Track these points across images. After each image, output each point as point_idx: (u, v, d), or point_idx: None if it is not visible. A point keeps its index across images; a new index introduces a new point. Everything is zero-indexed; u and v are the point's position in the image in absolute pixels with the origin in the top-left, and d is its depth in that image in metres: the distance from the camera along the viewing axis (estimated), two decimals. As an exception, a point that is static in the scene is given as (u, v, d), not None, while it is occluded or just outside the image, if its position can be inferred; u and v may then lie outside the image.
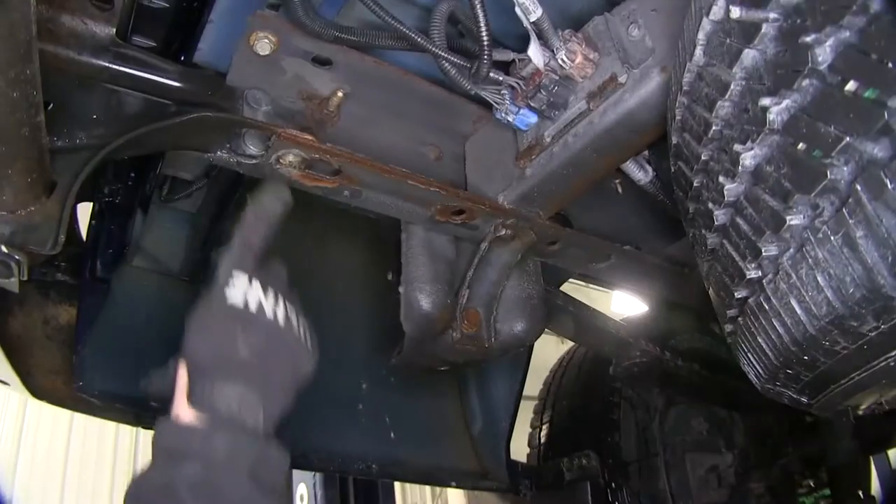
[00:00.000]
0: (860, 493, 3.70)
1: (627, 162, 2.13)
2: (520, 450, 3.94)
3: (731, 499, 4.12)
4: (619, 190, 2.52)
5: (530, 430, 4.28)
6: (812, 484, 4.33)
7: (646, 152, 2.20)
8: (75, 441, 7.36)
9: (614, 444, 3.77)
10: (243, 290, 1.58)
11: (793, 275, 1.11)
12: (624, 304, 8.59)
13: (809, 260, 1.06)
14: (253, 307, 1.56)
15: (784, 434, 4.25)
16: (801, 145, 1.03)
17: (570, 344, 5.03)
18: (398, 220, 2.27)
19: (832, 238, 1.00)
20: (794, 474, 4.21)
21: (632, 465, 3.77)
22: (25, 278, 1.40)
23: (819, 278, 1.05)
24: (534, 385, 3.80)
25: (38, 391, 2.50)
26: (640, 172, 2.17)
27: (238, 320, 1.54)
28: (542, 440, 4.15)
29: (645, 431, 3.90)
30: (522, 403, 3.43)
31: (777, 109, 1.07)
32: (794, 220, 1.06)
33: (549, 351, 6.01)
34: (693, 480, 4.04)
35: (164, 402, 1.56)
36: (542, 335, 2.56)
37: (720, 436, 4.30)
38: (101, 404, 2.47)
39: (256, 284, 1.59)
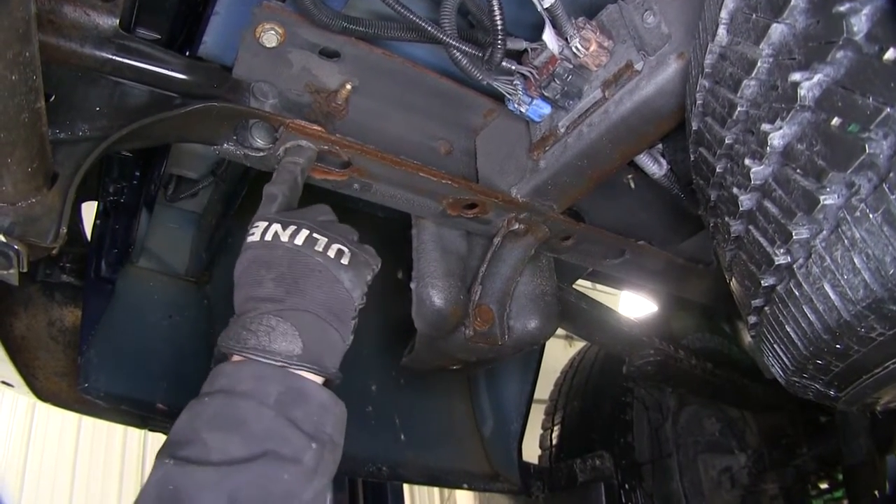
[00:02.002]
0: (876, 492, 3.65)
1: (641, 155, 2.09)
2: (531, 452, 3.90)
3: (744, 500, 4.08)
4: (632, 185, 2.48)
5: (541, 431, 4.24)
6: (826, 485, 4.29)
7: (660, 145, 2.16)
8: (83, 445, 7.36)
9: (627, 444, 3.73)
10: (260, 232, 1.52)
11: (827, 258, 1.06)
12: (631, 306, 8.56)
13: (845, 241, 1.01)
14: (268, 239, 1.51)
15: (798, 434, 4.21)
16: (835, 120, 0.98)
17: (578, 346, 5.00)
18: (408, 217, 2.23)
19: (871, 216, 0.95)
20: (809, 475, 4.16)
21: (645, 465, 3.73)
22: (25, 270, 1.35)
23: (856, 260, 1.00)
24: (542, 388, 3.76)
25: (42, 393, 2.47)
26: (654, 166, 2.13)
27: (257, 260, 1.49)
28: (554, 441, 4.12)
29: (658, 432, 3.87)
30: (532, 406, 3.39)
31: (809, 84, 1.02)
32: (828, 199, 1.02)
33: (558, 353, 5.98)
34: (706, 482, 4.00)
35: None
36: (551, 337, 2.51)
37: (733, 436, 4.27)
38: (107, 406, 2.43)
39: (276, 225, 1.53)
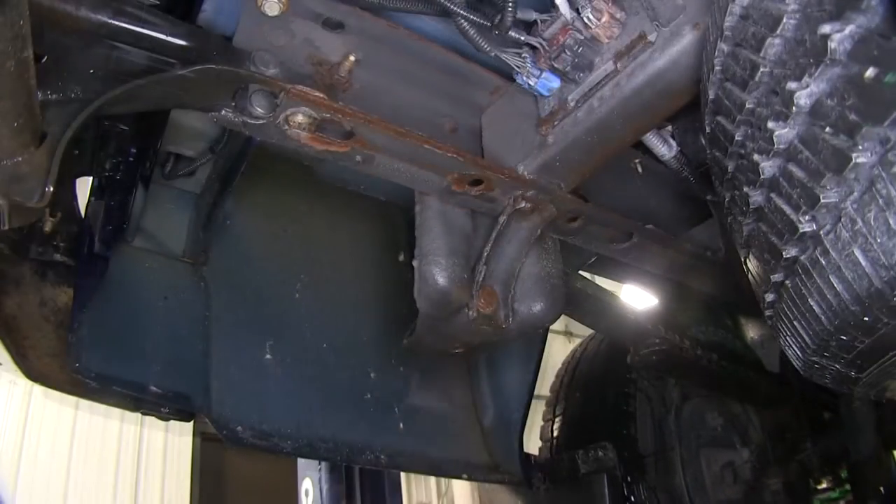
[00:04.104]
0: (881, 488, 3.61)
1: (651, 135, 2.04)
2: (532, 444, 3.85)
3: (746, 495, 4.03)
4: (640, 169, 2.43)
5: (542, 422, 4.19)
6: (826, 485, 4.25)
7: (669, 126, 2.11)
8: (79, 437, 7.32)
9: (630, 436, 3.67)
10: None
11: (858, 220, 1.00)
12: (633, 300, 8.50)
13: (879, 200, 0.95)
14: None
15: (802, 430, 4.16)
16: (869, 71, 0.92)
17: (577, 341, 4.96)
18: (411, 202, 2.18)
19: (910, 171, 0.90)
20: (812, 471, 4.12)
21: (648, 458, 3.68)
22: (6, 227, 1.29)
23: (891, 220, 0.94)
24: (542, 384, 3.71)
25: (32, 373, 2.41)
26: (663, 147, 2.08)
27: None
28: (555, 433, 4.06)
29: (661, 424, 3.81)
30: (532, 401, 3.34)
31: (840, 36, 0.96)
32: (861, 157, 0.96)
33: (558, 348, 5.94)
34: (708, 476, 3.95)
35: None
36: (550, 333, 2.46)
37: (735, 431, 4.22)
38: (98, 387, 2.37)
39: None
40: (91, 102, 1.46)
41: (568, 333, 9.06)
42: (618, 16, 1.73)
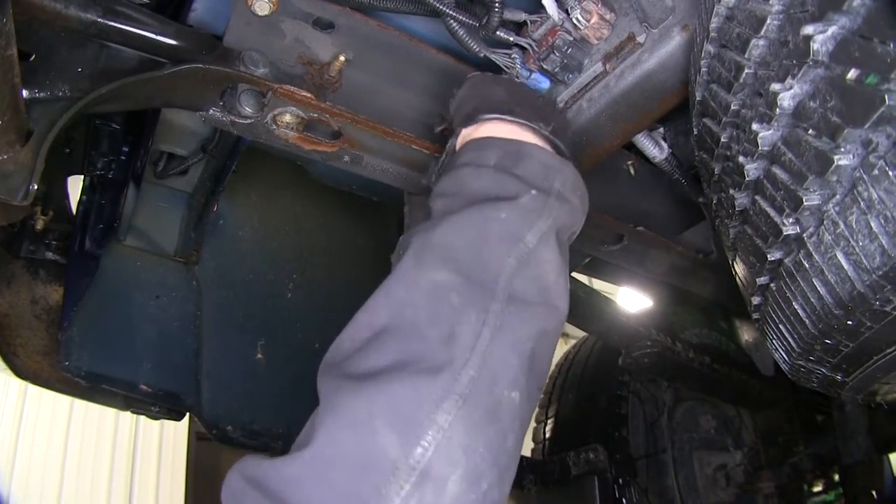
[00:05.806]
0: (874, 492, 3.60)
1: (642, 137, 2.03)
2: (523, 446, 3.84)
3: (738, 498, 4.03)
4: (632, 171, 2.42)
5: (535, 424, 4.18)
6: (820, 488, 4.25)
7: (661, 129, 2.10)
8: (74, 430, 7.31)
9: (622, 438, 3.67)
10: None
11: (840, 223, 1.00)
12: (629, 302, 8.50)
13: (861, 203, 0.95)
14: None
15: (795, 433, 4.16)
16: (852, 73, 0.92)
17: (572, 342, 4.95)
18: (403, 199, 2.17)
19: (890, 174, 0.89)
20: (805, 474, 4.11)
21: (640, 460, 3.67)
22: (-8, 225, 1.30)
23: (872, 223, 0.94)
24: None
25: (22, 372, 2.41)
26: (655, 149, 2.07)
27: (487, 78, 1.68)
28: (547, 434, 4.05)
29: (653, 426, 3.81)
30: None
31: (823, 38, 0.96)
32: (843, 159, 0.95)
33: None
34: (701, 479, 3.95)
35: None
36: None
37: (728, 434, 4.22)
38: (88, 386, 2.37)
39: None
40: (78, 101, 1.46)
41: (564, 335, 9.06)
42: (607, 17, 1.72)
